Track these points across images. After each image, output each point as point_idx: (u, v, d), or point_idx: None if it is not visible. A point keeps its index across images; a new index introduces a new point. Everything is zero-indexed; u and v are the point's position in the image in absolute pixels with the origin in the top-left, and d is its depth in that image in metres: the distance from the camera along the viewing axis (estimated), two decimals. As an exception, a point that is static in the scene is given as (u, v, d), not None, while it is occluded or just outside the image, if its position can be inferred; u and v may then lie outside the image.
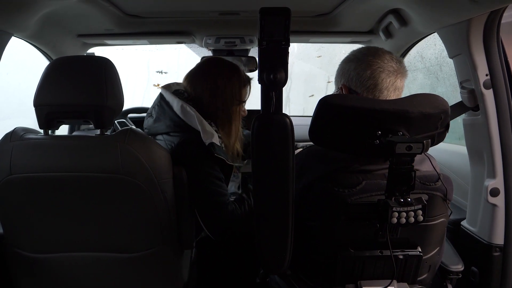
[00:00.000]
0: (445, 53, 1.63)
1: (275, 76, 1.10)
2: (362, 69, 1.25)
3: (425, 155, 1.26)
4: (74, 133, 2.45)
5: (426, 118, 1.12)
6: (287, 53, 1.15)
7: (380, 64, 1.24)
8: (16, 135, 1.31)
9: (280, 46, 1.13)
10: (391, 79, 1.24)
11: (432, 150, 1.30)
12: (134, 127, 1.96)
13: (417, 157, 1.22)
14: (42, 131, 1.34)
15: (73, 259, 1.39)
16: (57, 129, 1.42)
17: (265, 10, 1.14)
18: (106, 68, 1.31)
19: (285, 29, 1.15)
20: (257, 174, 1.10)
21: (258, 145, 1.08)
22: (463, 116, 1.62)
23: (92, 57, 1.42)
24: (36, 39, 1.95)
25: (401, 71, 1.26)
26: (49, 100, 1.29)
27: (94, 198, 1.31)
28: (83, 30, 2.10)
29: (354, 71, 1.26)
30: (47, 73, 1.30)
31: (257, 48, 2.13)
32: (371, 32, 2.14)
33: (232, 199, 1.57)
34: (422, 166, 1.24)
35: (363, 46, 1.33)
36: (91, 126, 1.60)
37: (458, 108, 1.59)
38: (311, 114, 1.21)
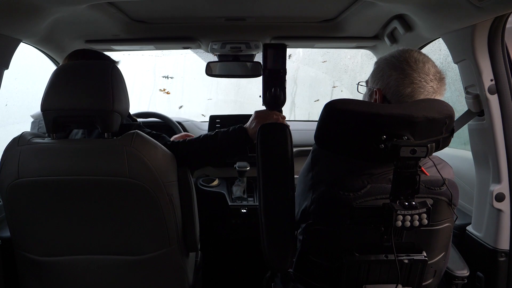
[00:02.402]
0: (450, 58, 1.64)
1: (276, 98, 1.45)
2: (403, 85, 1.20)
3: (430, 159, 1.26)
4: None
5: (430, 123, 1.12)
6: (285, 79, 1.47)
7: (422, 84, 1.20)
8: (24, 140, 1.33)
9: (279, 74, 1.46)
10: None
11: (438, 155, 1.30)
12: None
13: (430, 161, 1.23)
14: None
15: (80, 261, 1.40)
16: (64, 133, 1.44)
17: (268, 45, 1.50)
18: (112, 73, 1.33)
19: (283, 61, 1.48)
20: (262, 172, 1.27)
21: (263, 149, 1.27)
22: (468, 121, 1.62)
23: (99, 62, 1.43)
24: (44, 45, 1.98)
25: (440, 92, 1.23)
26: (56, 105, 1.30)
27: (100, 201, 1.32)
28: (90, 36, 2.12)
29: (395, 82, 1.22)
30: (54, 78, 1.32)
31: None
32: (376, 37, 2.15)
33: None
34: (443, 172, 1.23)
35: (410, 51, 1.26)
36: None
37: (465, 117, 1.58)
38: (317, 119, 1.21)
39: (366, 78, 1.37)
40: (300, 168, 1.38)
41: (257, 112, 1.57)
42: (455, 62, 1.59)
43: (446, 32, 1.56)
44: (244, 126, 1.54)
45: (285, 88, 1.47)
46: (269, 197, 1.28)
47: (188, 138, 1.56)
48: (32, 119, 1.60)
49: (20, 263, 1.44)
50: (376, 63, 1.32)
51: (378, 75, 1.28)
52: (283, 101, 1.50)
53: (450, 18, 1.44)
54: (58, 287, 1.44)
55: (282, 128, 1.29)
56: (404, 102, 1.21)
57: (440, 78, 1.23)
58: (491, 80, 1.47)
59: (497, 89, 1.47)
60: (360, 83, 1.42)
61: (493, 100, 1.48)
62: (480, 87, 1.49)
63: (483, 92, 1.48)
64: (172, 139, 1.93)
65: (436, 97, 1.22)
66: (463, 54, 1.51)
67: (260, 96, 1.60)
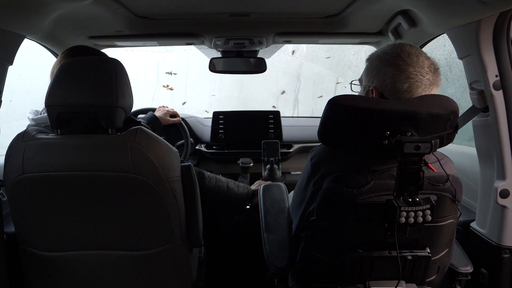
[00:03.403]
0: (454, 54, 1.63)
1: (273, 172, 2.20)
2: (400, 81, 1.20)
3: (433, 154, 1.26)
4: None
5: (434, 119, 1.12)
6: (279, 163, 2.28)
7: (419, 78, 1.19)
8: (28, 135, 1.33)
9: (275, 159, 2.25)
10: (425, 92, 1.21)
11: (442, 151, 1.29)
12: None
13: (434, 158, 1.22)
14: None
15: (84, 257, 1.41)
16: (68, 129, 1.44)
17: (266, 142, 2.42)
18: (116, 69, 1.33)
19: (277, 151, 2.36)
20: (264, 212, 1.58)
21: (264, 198, 1.65)
22: (472, 117, 1.61)
23: (102, 58, 1.43)
24: (48, 41, 1.98)
25: (436, 83, 1.22)
26: (60, 101, 1.30)
27: (105, 197, 1.33)
28: (94, 32, 2.12)
29: (391, 79, 1.21)
30: (58, 74, 1.32)
31: (266, 49, 2.30)
32: (380, 33, 2.14)
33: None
34: (438, 166, 1.23)
35: (401, 45, 1.25)
36: None
37: (470, 113, 1.58)
38: (320, 115, 1.21)
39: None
40: (300, 164, 1.39)
41: (259, 181, 2.16)
42: (460, 58, 1.58)
43: (451, 28, 1.55)
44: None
45: (279, 167, 2.25)
46: (271, 221, 1.56)
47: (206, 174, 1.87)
48: (30, 122, 1.56)
49: (24, 259, 1.45)
50: (368, 60, 1.31)
51: (373, 72, 1.26)
52: (279, 176, 2.20)
53: (454, 14, 1.43)
54: (62, 282, 1.45)
55: (279, 184, 1.75)
56: (402, 98, 1.20)
57: (435, 69, 1.23)
58: (496, 76, 1.46)
59: (502, 85, 1.46)
60: (353, 82, 1.41)
61: (498, 96, 1.47)
62: (485, 83, 1.48)
63: (488, 88, 1.47)
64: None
65: (433, 89, 1.22)
66: (467, 49, 1.50)
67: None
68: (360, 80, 1.37)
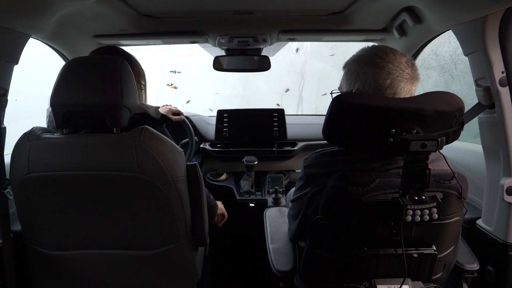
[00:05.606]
0: (460, 50, 1.62)
1: (278, 201, 2.38)
2: (382, 77, 1.22)
3: (439, 153, 1.26)
4: None
5: (440, 116, 1.11)
6: (284, 195, 2.44)
7: (399, 72, 1.22)
8: (34, 135, 1.34)
9: (280, 188, 2.44)
10: (408, 87, 1.23)
11: (447, 149, 1.29)
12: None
13: (432, 156, 1.22)
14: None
15: (90, 256, 1.42)
16: (73, 128, 1.44)
17: (271, 176, 2.65)
18: (121, 68, 1.33)
19: (281, 183, 2.59)
20: (270, 232, 1.71)
21: (270, 220, 1.81)
22: (478, 114, 1.61)
23: (107, 57, 1.44)
24: (53, 40, 1.99)
25: (415, 77, 1.25)
26: (65, 100, 1.30)
27: (109, 196, 1.33)
28: (98, 31, 2.13)
29: (372, 77, 1.23)
30: (63, 73, 1.32)
31: (270, 47, 2.30)
32: (385, 30, 2.13)
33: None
34: (436, 164, 1.23)
35: (376, 46, 1.30)
36: None
37: (475, 110, 1.57)
38: (324, 112, 1.21)
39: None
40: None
41: None
42: (466, 55, 1.57)
43: (456, 24, 1.54)
44: None
45: (284, 195, 2.44)
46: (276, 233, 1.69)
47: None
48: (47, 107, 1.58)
49: (30, 257, 1.46)
50: (345, 67, 1.34)
51: (352, 76, 1.29)
52: (284, 204, 2.34)
53: (460, 10, 1.42)
54: (68, 280, 1.46)
55: (281, 208, 1.96)
56: (386, 94, 1.22)
57: (412, 64, 1.26)
58: (502, 72, 1.45)
59: (508, 81, 1.45)
60: (333, 92, 1.41)
61: (504, 92, 1.46)
62: (491, 79, 1.47)
63: (494, 85, 1.47)
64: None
65: (414, 83, 1.25)
66: (473, 46, 1.49)
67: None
68: (339, 88, 1.38)
